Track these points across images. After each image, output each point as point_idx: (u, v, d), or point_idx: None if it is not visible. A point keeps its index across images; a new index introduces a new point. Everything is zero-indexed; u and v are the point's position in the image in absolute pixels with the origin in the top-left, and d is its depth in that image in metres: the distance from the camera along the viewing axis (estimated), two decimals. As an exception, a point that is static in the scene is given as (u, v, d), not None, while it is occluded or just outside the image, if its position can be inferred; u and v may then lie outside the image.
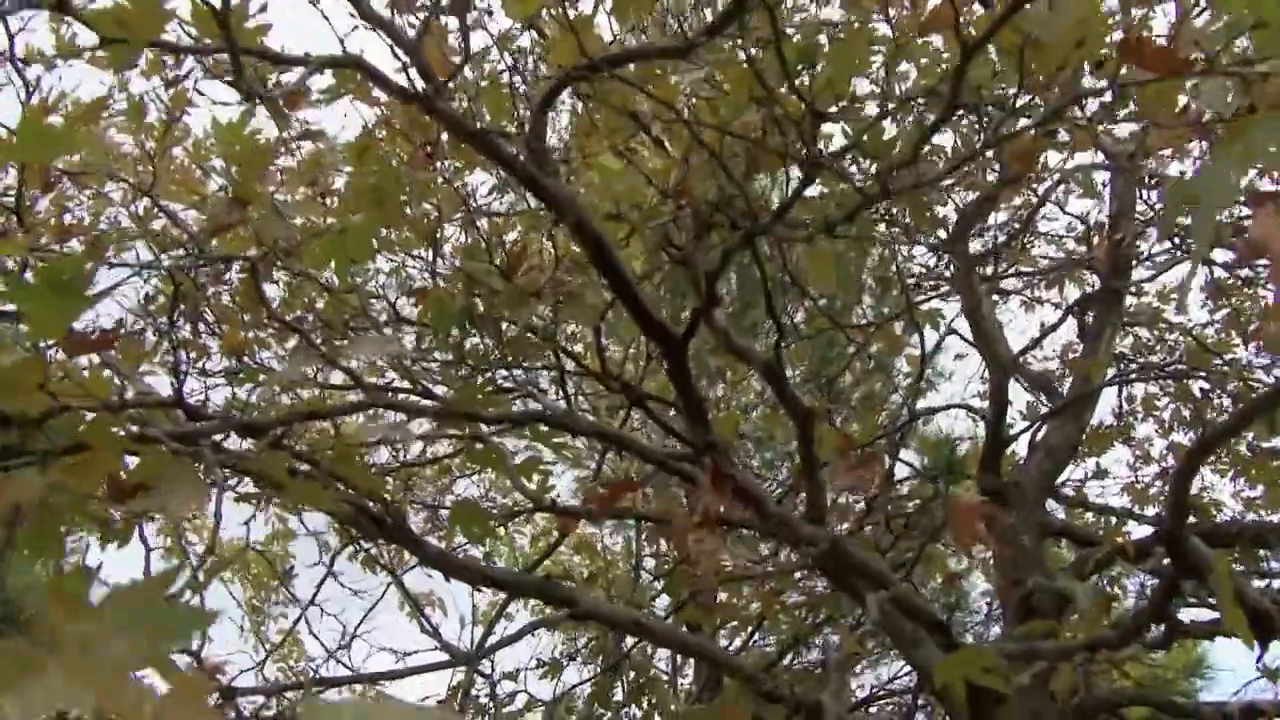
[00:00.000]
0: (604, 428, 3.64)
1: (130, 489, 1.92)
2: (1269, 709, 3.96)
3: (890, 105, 2.78)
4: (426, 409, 2.89)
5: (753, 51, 2.59)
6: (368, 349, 2.37)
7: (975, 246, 6.28)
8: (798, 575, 7.02)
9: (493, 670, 5.98)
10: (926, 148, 2.65)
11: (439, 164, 3.24)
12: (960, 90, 2.18)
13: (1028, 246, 6.93)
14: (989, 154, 4.52)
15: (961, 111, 3.01)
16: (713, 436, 2.99)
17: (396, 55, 2.47)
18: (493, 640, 5.40)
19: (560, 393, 5.28)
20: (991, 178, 5.46)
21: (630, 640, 6.42)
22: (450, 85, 2.58)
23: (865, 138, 2.76)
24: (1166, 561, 2.55)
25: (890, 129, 2.96)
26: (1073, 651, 3.28)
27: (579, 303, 3.21)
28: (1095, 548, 4.73)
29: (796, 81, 2.57)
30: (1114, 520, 6.25)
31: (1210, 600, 3.96)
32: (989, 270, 6.44)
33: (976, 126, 2.80)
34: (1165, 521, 2.44)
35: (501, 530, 7.56)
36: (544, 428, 3.73)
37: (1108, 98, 2.38)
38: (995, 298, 6.84)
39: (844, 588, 4.31)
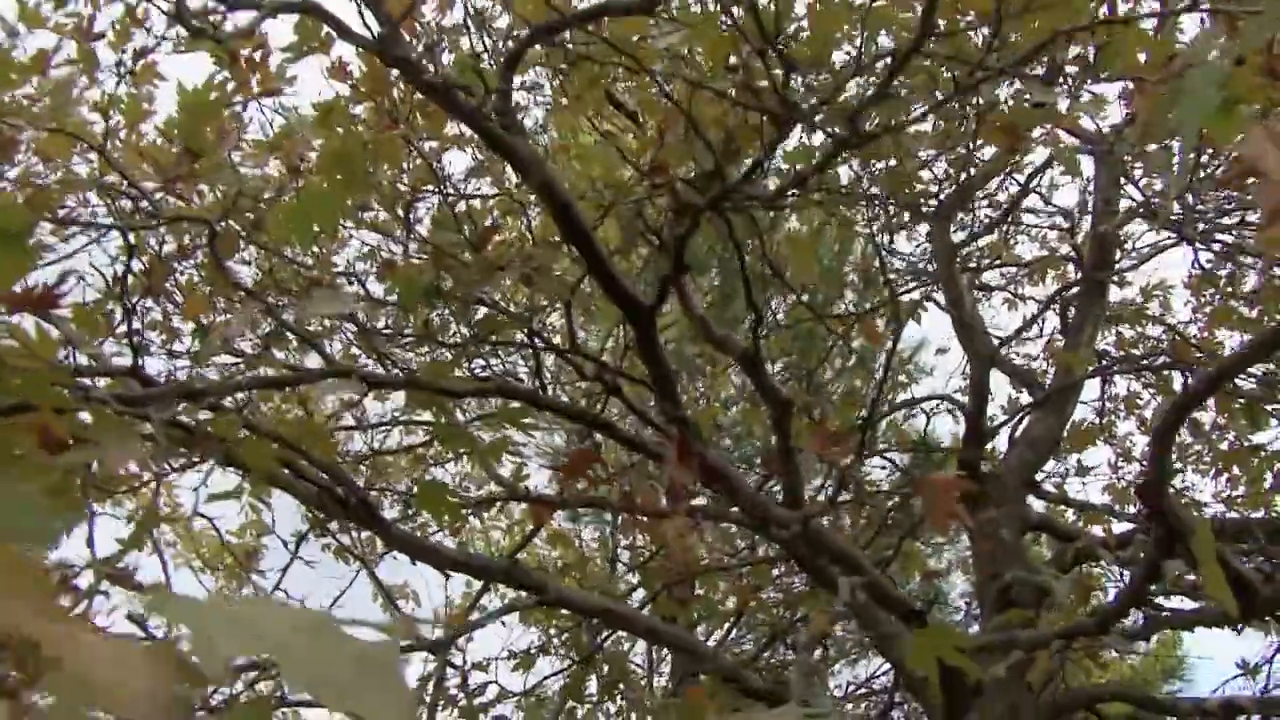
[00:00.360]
0: (574, 406, 3.56)
1: (63, 442, 1.83)
2: (1248, 705, 3.90)
3: (863, 64, 2.71)
4: (393, 381, 2.80)
5: (733, 10, 2.51)
6: (322, 306, 2.29)
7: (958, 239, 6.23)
8: (775, 572, 6.95)
9: (464, 661, 5.89)
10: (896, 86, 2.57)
11: (408, 132, 3.15)
12: (929, 22, 2.11)
13: (1010, 243, 6.88)
14: (971, 138, 4.46)
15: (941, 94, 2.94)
16: (681, 411, 2.91)
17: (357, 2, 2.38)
18: (466, 628, 5.33)
19: (537, 382, 5.20)
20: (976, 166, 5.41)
21: (604, 633, 6.34)
22: (414, 41, 2.49)
23: (839, 96, 2.69)
24: (1147, 536, 2.48)
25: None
26: (1050, 639, 3.21)
27: (549, 276, 3.12)
28: (1075, 541, 4.67)
29: (774, 41, 2.49)
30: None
31: (1191, 589, 3.90)
32: (971, 260, 6.38)
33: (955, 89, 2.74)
34: (1147, 477, 2.37)
35: (477, 523, 7.48)
36: (514, 405, 3.65)
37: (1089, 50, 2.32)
38: (978, 294, 6.79)
39: (817, 576, 4.24)
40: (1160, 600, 3.94)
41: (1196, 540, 1.48)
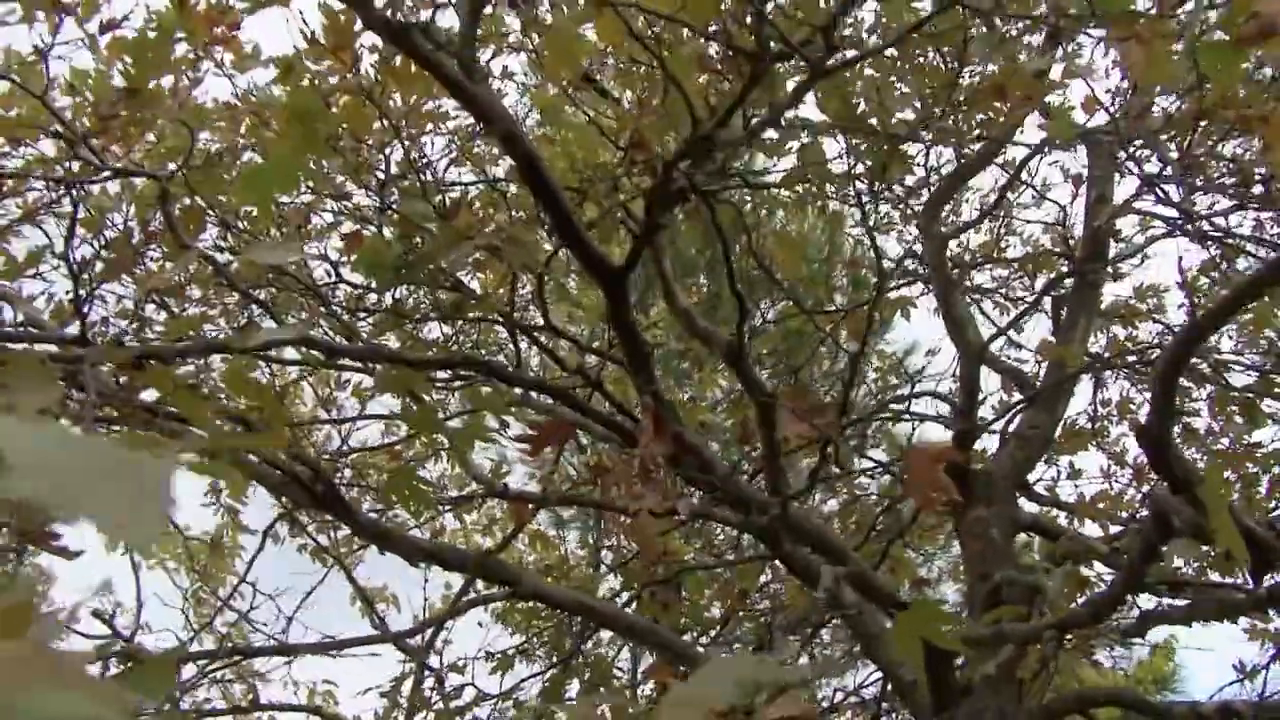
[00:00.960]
0: (546, 381, 3.42)
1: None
2: (1244, 709, 3.77)
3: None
4: (353, 350, 2.66)
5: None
6: (266, 254, 2.16)
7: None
8: (763, 579, 6.81)
9: (440, 663, 5.74)
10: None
11: (371, 86, 3.01)
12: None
13: (1002, 245, 6.77)
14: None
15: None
16: (656, 385, 2.78)
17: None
18: (441, 627, 5.20)
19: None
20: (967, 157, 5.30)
21: (584, 634, 6.20)
22: None
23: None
24: (1146, 516, 2.34)
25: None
26: (1041, 631, 3.08)
27: (519, 246, 2.99)
28: (1064, 539, 4.55)
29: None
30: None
31: (1186, 582, 3.76)
32: (962, 256, 6.28)
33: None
34: (1149, 422, 2.23)
35: (457, 524, 7.34)
36: (488, 391, 3.51)
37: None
38: (972, 296, 6.68)
39: (803, 575, 4.11)
40: (1158, 587, 3.80)
41: (1205, 488, 1.34)
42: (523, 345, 4.83)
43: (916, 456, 2.25)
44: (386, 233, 3.36)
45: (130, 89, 2.71)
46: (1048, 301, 6.15)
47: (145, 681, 1.24)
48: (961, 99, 3.01)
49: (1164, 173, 3.79)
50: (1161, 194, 3.74)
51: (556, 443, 2.44)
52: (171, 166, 3.91)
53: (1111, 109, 4.48)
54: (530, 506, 5.24)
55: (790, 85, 3.83)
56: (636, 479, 2.40)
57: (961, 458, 4.26)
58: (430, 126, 4.05)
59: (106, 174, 2.96)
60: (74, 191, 2.92)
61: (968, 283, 6.70)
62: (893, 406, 6.83)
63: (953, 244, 6.29)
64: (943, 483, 2.25)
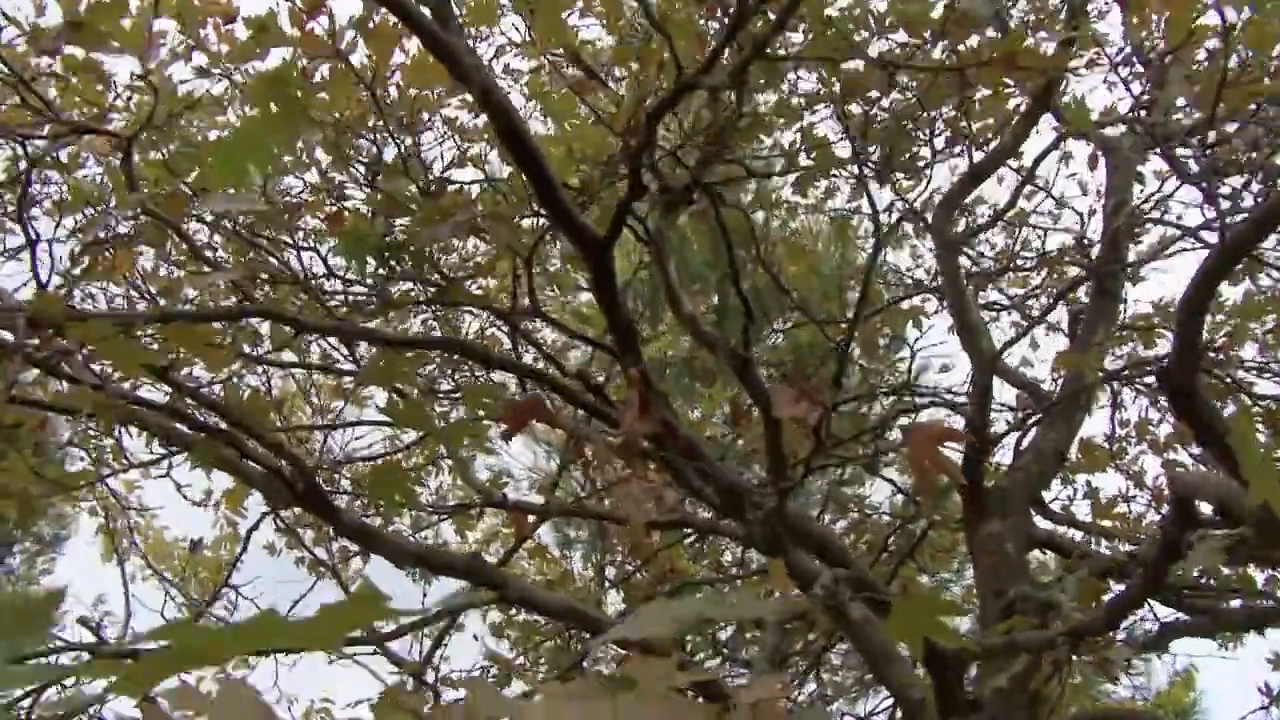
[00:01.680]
0: (529, 366, 3.28)
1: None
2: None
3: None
4: (323, 326, 2.53)
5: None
6: (219, 204, 2.03)
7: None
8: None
9: (436, 677, 5.58)
10: None
11: (347, 52, 2.88)
12: None
13: (1017, 258, 6.61)
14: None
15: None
16: (643, 364, 2.63)
17: None
18: (440, 642, 5.06)
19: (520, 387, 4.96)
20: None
21: (587, 655, 6.03)
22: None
23: None
24: (1167, 516, 2.17)
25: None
26: (1054, 638, 2.90)
27: (504, 224, 2.85)
28: (1078, 554, 4.39)
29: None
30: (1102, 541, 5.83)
31: (1207, 594, 3.57)
32: (974, 259, 6.14)
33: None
34: (1173, 365, 2.05)
35: (458, 537, 7.19)
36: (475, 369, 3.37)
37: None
38: (986, 315, 6.52)
39: (800, 581, 3.94)
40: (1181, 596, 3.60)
41: (1235, 436, 1.19)
42: (527, 356, 4.71)
43: (917, 434, 2.09)
44: (366, 211, 3.24)
45: (72, 23, 2.58)
46: (1064, 319, 5.98)
47: (23, 622, 1.12)
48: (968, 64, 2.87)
49: (1185, 143, 3.62)
50: (1182, 168, 3.57)
51: (530, 420, 2.29)
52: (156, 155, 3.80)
53: (1126, 77, 4.34)
54: (532, 520, 5.09)
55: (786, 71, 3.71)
56: (618, 457, 2.25)
57: (963, 436, 4.09)
58: (425, 114, 3.94)
59: (61, 130, 2.83)
60: (25, 147, 2.79)
61: (983, 298, 6.55)
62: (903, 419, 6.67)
63: (967, 257, 6.15)
64: (945, 463, 2.09)
